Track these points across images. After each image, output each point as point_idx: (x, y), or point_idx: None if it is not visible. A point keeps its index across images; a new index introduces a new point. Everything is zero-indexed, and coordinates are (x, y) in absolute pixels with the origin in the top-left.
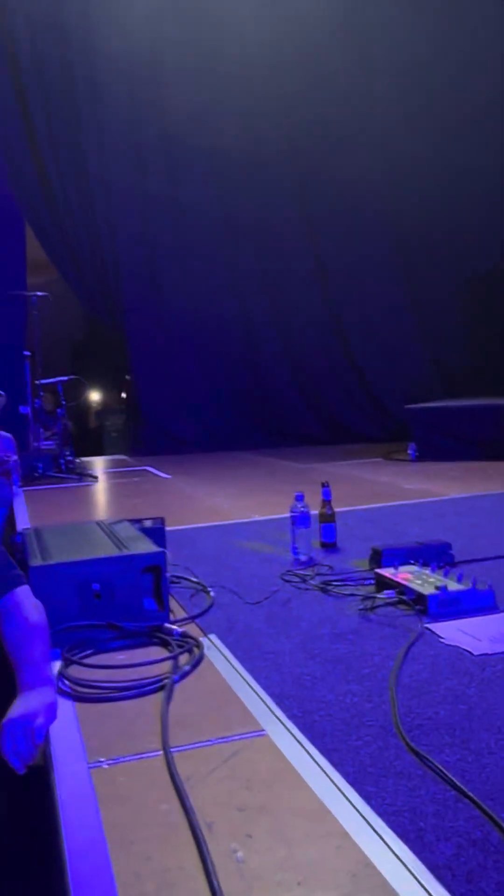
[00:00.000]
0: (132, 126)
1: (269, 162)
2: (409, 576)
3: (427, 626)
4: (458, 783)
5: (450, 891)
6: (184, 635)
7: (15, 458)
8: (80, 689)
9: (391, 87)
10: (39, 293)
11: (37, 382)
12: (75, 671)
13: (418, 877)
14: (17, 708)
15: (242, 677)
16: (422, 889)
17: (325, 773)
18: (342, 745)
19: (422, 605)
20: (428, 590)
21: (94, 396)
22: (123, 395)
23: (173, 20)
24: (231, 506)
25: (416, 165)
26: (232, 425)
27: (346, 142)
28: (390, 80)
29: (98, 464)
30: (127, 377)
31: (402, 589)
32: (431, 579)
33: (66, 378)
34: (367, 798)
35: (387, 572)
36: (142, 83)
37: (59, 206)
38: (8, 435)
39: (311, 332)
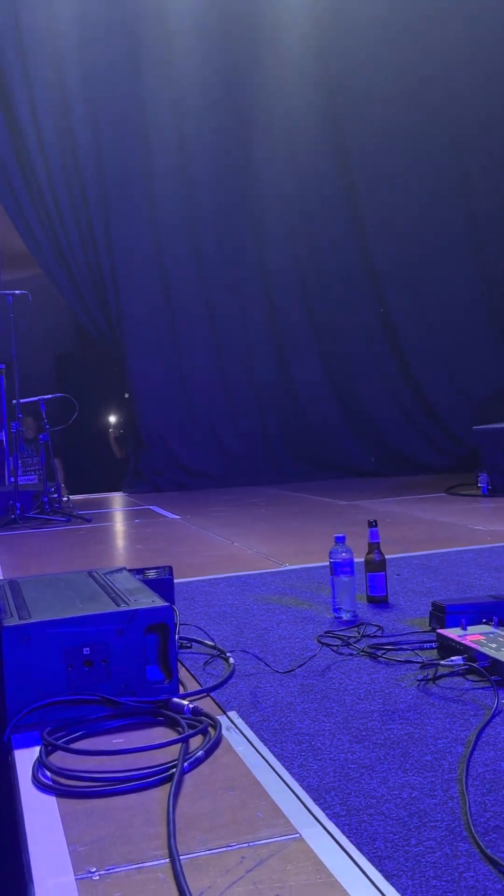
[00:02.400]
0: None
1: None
2: (482, 638)
3: None
4: None
5: None
6: (196, 712)
7: None
8: (64, 781)
9: None
10: (17, 291)
11: (14, 402)
12: (59, 759)
13: None
14: None
15: (270, 765)
16: None
17: (377, 886)
18: (398, 852)
19: (499, 675)
20: None
21: (113, 418)
22: (112, 418)
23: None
24: (255, 552)
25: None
26: (256, 453)
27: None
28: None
29: (91, 503)
30: (126, 395)
31: (473, 654)
32: None
33: (50, 396)
34: None
35: (452, 634)
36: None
37: (42, 184)
38: None
39: (357, 337)
